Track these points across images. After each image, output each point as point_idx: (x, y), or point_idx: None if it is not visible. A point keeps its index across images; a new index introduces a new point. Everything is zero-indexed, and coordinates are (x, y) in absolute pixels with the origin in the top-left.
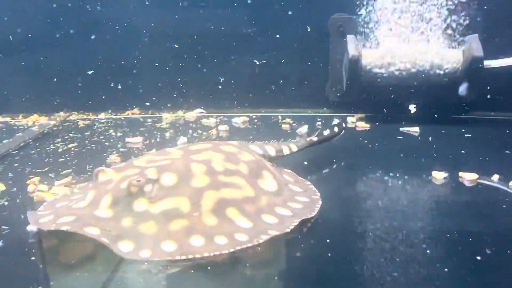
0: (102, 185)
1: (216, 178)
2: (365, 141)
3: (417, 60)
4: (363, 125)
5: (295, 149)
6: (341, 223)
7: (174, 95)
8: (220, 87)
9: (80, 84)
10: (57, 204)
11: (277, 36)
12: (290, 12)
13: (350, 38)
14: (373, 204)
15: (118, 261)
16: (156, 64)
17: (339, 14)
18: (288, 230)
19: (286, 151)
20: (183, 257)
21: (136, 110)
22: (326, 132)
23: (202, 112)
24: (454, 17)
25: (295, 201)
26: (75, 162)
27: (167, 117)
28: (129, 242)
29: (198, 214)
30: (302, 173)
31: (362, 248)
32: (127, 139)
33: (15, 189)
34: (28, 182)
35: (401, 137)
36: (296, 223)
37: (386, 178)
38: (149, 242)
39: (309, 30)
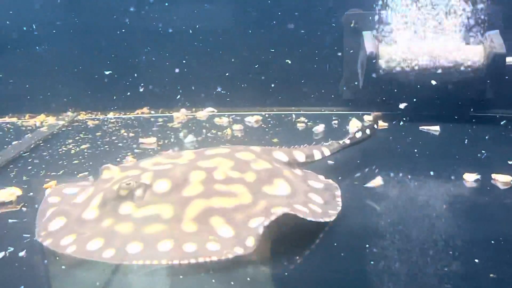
0: (102, 183)
1: (212, 187)
2: (386, 141)
3: (437, 56)
4: (380, 124)
5: (327, 153)
6: (361, 233)
7: (184, 94)
8: (231, 85)
9: (87, 84)
10: (63, 194)
11: (289, 32)
12: (303, 9)
13: (366, 34)
14: (405, 209)
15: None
16: (166, 63)
17: (354, 9)
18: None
19: (317, 156)
20: (147, 262)
21: (145, 109)
22: (359, 135)
23: (213, 111)
24: (474, 12)
25: (304, 206)
26: (91, 164)
27: (178, 116)
28: (99, 240)
29: (178, 221)
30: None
31: (401, 259)
32: (140, 140)
33: (31, 193)
34: (44, 186)
35: (422, 136)
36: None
37: (414, 180)
38: (117, 242)
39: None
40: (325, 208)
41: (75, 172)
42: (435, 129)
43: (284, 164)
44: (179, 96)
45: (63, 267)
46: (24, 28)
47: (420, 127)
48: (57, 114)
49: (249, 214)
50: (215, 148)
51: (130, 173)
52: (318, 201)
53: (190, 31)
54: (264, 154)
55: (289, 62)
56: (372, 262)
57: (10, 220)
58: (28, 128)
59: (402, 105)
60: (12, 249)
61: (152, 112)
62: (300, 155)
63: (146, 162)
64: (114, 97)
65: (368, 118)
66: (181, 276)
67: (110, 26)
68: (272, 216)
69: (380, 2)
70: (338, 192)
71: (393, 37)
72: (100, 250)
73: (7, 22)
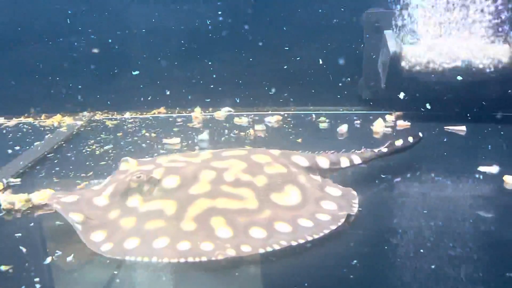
0: (118, 174)
1: (219, 187)
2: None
3: (461, 55)
4: (402, 124)
5: (357, 161)
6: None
7: (201, 93)
8: (248, 85)
9: (103, 83)
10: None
11: (308, 30)
12: (322, 7)
13: (389, 33)
14: (445, 216)
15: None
16: (182, 62)
17: (374, 8)
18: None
19: (344, 163)
20: (140, 258)
21: (162, 109)
22: (399, 143)
23: (230, 111)
24: (499, 11)
25: (310, 219)
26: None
27: (196, 116)
28: (102, 233)
29: (178, 218)
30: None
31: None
32: (164, 140)
33: None
34: (78, 187)
35: (448, 137)
36: (282, 245)
37: (450, 183)
38: (117, 236)
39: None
40: (336, 214)
41: (105, 174)
42: (461, 129)
43: (303, 169)
44: (194, 95)
45: (115, 272)
46: (38, 27)
47: (445, 128)
48: (73, 114)
49: (252, 220)
50: (233, 150)
51: (145, 167)
52: (330, 208)
53: (206, 29)
54: (282, 158)
55: (321, 61)
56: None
57: (57, 222)
58: (47, 128)
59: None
60: (59, 253)
61: (169, 112)
62: (323, 161)
63: (163, 158)
64: (130, 97)
65: (390, 118)
66: (174, 274)
67: (125, 27)
68: (268, 247)
69: (402, 1)
70: (356, 200)
71: (416, 36)
72: (100, 243)
73: (21, 20)
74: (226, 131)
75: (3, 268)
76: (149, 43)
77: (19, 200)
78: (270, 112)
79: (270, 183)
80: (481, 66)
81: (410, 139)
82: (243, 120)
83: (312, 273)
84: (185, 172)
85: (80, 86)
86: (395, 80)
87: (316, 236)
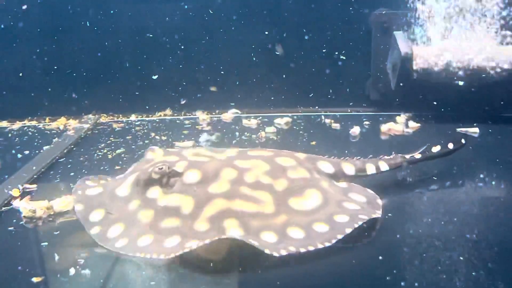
0: (142, 163)
1: (238, 188)
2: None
3: (473, 57)
4: (413, 125)
5: (385, 168)
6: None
7: (206, 95)
8: (255, 86)
9: (107, 86)
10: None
11: (315, 31)
12: (329, 7)
13: (399, 34)
14: (480, 226)
15: None
16: (186, 64)
17: (383, 9)
18: (276, 254)
19: (371, 170)
20: (153, 256)
21: (168, 111)
22: (436, 149)
23: (237, 113)
24: (509, 12)
25: (327, 222)
26: None
27: (204, 118)
28: (119, 226)
29: (193, 218)
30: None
31: None
32: (176, 144)
33: None
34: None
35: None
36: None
37: (475, 188)
38: (133, 231)
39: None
40: (355, 215)
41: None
42: (474, 131)
43: (327, 175)
44: (200, 97)
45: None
46: (39, 30)
47: (458, 129)
48: (78, 117)
49: (265, 224)
50: (259, 150)
51: (169, 158)
52: (350, 208)
53: (207, 30)
54: (307, 163)
55: (313, 69)
56: None
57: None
58: (53, 132)
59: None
60: (82, 261)
61: (175, 114)
62: (349, 168)
63: (188, 151)
64: (133, 99)
65: (401, 119)
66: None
67: (130, 28)
68: (275, 252)
69: (411, 2)
70: (379, 208)
71: (426, 37)
72: (116, 239)
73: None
74: (237, 133)
75: (35, 280)
76: (153, 45)
77: (40, 208)
78: (278, 114)
79: (291, 188)
80: (492, 67)
81: (450, 145)
82: (252, 122)
83: (318, 278)
84: (207, 168)
85: (83, 89)
86: (405, 81)
87: (327, 244)
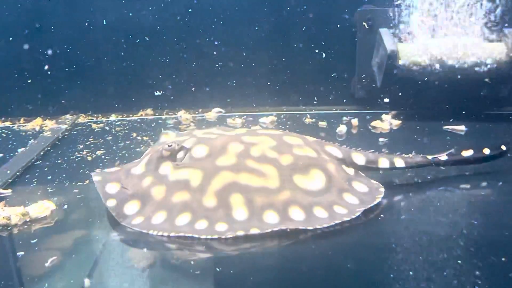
0: (157, 145)
1: (244, 161)
2: (417, 141)
3: (458, 54)
4: (395, 122)
5: (401, 164)
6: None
7: (189, 94)
8: (239, 85)
9: (85, 85)
10: None
11: (299, 29)
12: (313, 4)
13: (384, 32)
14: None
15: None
16: (167, 61)
17: (367, 6)
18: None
19: (384, 164)
20: (165, 234)
21: (149, 111)
22: (467, 153)
23: (220, 112)
24: (494, 9)
25: (327, 209)
26: None
27: (187, 117)
28: (135, 204)
29: (202, 191)
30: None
31: None
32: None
33: (66, 206)
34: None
35: (450, 137)
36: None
37: (463, 187)
38: (147, 209)
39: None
40: (353, 208)
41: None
42: (460, 128)
43: (335, 159)
44: (181, 96)
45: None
46: (12, 28)
47: (444, 127)
48: (55, 118)
49: (269, 201)
50: (270, 130)
51: (181, 138)
52: (350, 202)
53: (189, 27)
54: (315, 144)
55: (298, 67)
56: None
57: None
58: (28, 133)
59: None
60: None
61: (157, 114)
62: (359, 158)
63: (200, 131)
64: (112, 98)
65: (387, 117)
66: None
67: (107, 25)
68: (276, 226)
69: None
70: (380, 194)
71: (411, 34)
72: (132, 217)
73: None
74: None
75: None
76: (132, 43)
77: (15, 214)
78: (262, 113)
79: (296, 164)
80: (477, 64)
81: (486, 150)
82: (236, 121)
83: (312, 262)
84: (215, 143)
85: (60, 88)
86: (391, 79)
87: (326, 225)
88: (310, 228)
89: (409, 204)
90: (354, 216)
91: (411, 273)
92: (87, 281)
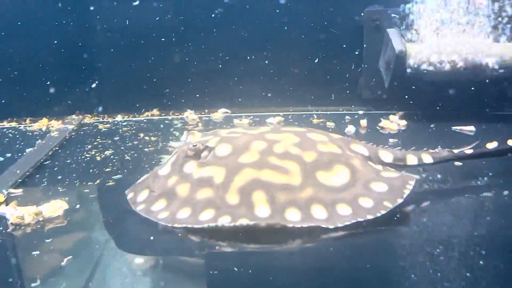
0: (183, 145)
1: (266, 158)
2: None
3: (468, 54)
4: (402, 123)
5: (428, 160)
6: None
7: (195, 95)
8: (246, 85)
9: (90, 85)
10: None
11: (306, 29)
12: (320, 5)
13: (392, 32)
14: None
15: None
16: (173, 62)
17: (374, 6)
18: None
19: (412, 161)
20: (189, 226)
21: (155, 111)
22: (492, 145)
23: (226, 112)
24: (505, 9)
25: (350, 204)
26: (125, 172)
27: (193, 118)
28: (162, 202)
29: (225, 188)
30: None
31: None
32: (170, 143)
33: (78, 205)
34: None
35: (458, 137)
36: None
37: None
38: (173, 205)
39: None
40: (381, 200)
41: (113, 181)
42: (470, 129)
43: (361, 155)
44: (188, 96)
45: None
46: (19, 23)
47: (453, 128)
48: (61, 118)
49: (291, 199)
50: (294, 126)
51: (206, 138)
52: (378, 190)
53: (198, 28)
54: (340, 141)
55: (305, 67)
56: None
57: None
58: (35, 133)
59: None
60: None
61: (163, 114)
62: (386, 155)
63: (224, 131)
64: (121, 99)
65: (394, 118)
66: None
67: (113, 25)
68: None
69: None
70: (410, 186)
71: (420, 35)
72: (158, 212)
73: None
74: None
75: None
76: (138, 44)
77: (28, 214)
78: (269, 113)
79: (319, 160)
80: (486, 64)
81: (510, 142)
82: (243, 122)
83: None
84: (238, 141)
85: (66, 88)
86: (399, 79)
87: (347, 223)
88: (332, 227)
89: (434, 203)
90: (379, 215)
91: (430, 273)
92: None
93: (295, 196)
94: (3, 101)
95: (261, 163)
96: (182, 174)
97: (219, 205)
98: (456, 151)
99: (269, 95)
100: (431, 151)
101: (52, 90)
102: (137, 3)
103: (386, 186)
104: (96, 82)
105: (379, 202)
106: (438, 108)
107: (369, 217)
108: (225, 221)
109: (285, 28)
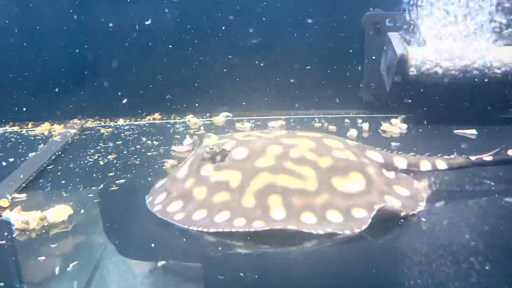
0: (201, 148)
1: (282, 162)
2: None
3: (469, 58)
4: (406, 127)
5: (442, 166)
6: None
7: (197, 98)
8: (247, 89)
9: (92, 89)
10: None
11: (307, 33)
12: (321, 8)
13: (394, 36)
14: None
15: None
16: (174, 66)
17: (375, 10)
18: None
19: (425, 167)
20: (205, 230)
21: (157, 115)
22: None
23: (228, 116)
24: (506, 13)
25: (366, 208)
26: (129, 177)
27: (195, 122)
28: (178, 203)
29: (241, 192)
30: None
31: None
32: (173, 147)
33: (83, 210)
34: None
35: (460, 141)
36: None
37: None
38: (189, 207)
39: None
40: (395, 210)
41: (117, 186)
42: (471, 132)
43: (376, 163)
44: (190, 101)
45: None
46: (18, 31)
47: (455, 131)
48: (63, 122)
49: (307, 203)
50: (309, 132)
51: (223, 141)
52: (391, 203)
53: (200, 31)
54: (356, 148)
55: (309, 67)
56: None
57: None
58: (37, 137)
59: None
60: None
61: (165, 118)
62: (401, 161)
63: (240, 134)
64: (120, 103)
65: (396, 121)
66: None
67: (115, 29)
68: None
69: (405, 2)
70: (423, 202)
71: (421, 38)
72: (173, 213)
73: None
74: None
75: None
76: (140, 48)
77: (33, 219)
78: (270, 117)
79: (335, 166)
80: (487, 68)
81: None
82: (245, 126)
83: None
84: (254, 145)
85: (68, 92)
86: (401, 84)
87: (364, 227)
88: (348, 232)
89: (450, 209)
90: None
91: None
92: None
93: (310, 201)
94: (5, 105)
95: (277, 168)
96: (199, 177)
97: (235, 208)
98: (473, 157)
99: (271, 99)
100: (446, 157)
101: (54, 94)
102: (149, 22)
103: (399, 202)
104: (126, 99)
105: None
106: (439, 111)
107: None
108: (239, 224)
109: (287, 32)
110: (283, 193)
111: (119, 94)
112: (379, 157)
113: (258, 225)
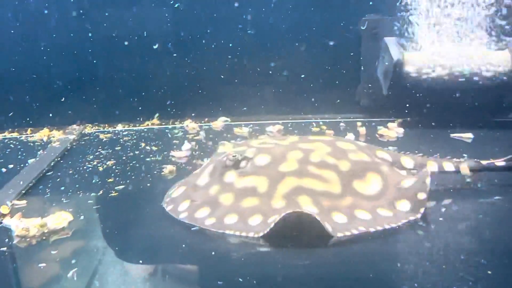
0: (216, 156)
1: (305, 166)
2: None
3: (464, 62)
4: (403, 131)
5: (450, 168)
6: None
7: (194, 104)
8: (244, 94)
9: (90, 95)
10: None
11: (305, 38)
12: (318, 14)
13: (390, 40)
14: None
15: None
16: (172, 71)
17: (371, 14)
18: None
19: (432, 168)
20: (237, 233)
21: (155, 120)
22: None
23: (226, 121)
24: (499, 18)
25: (390, 208)
26: (128, 183)
27: (193, 126)
28: (206, 209)
29: (269, 196)
30: None
31: None
32: (172, 153)
33: (82, 217)
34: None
35: (457, 144)
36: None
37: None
38: (218, 212)
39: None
40: (415, 204)
41: (116, 192)
42: (468, 136)
43: (387, 162)
44: (188, 106)
45: None
46: (16, 37)
47: (451, 135)
48: (62, 128)
49: (335, 205)
50: (319, 135)
51: (239, 148)
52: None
53: (197, 36)
54: (367, 149)
55: (303, 76)
56: None
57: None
58: (36, 143)
59: None
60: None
61: (163, 123)
62: (408, 161)
63: (254, 141)
64: (118, 108)
65: (393, 125)
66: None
67: (112, 35)
68: (347, 231)
69: (401, 7)
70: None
71: (417, 43)
72: (204, 218)
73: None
74: (233, 141)
75: None
76: (137, 53)
77: (33, 225)
78: (268, 122)
79: (353, 169)
80: (483, 73)
81: None
82: (243, 130)
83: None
84: (275, 151)
85: (67, 98)
86: (397, 88)
87: (394, 225)
88: (380, 228)
89: (450, 210)
90: (419, 215)
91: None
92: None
93: (337, 203)
94: (4, 112)
95: (301, 172)
96: (223, 184)
97: (266, 211)
98: (485, 162)
99: (268, 103)
100: (455, 159)
101: (52, 100)
102: (155, 46)
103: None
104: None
105: (415, 203)
106: (436, 115)
107: (411, 218)
108: (273, 219)
109: (285, 37)
110: (311, 194)
111: (117, 99)
112: (388, 157)
113: (292, 215)
